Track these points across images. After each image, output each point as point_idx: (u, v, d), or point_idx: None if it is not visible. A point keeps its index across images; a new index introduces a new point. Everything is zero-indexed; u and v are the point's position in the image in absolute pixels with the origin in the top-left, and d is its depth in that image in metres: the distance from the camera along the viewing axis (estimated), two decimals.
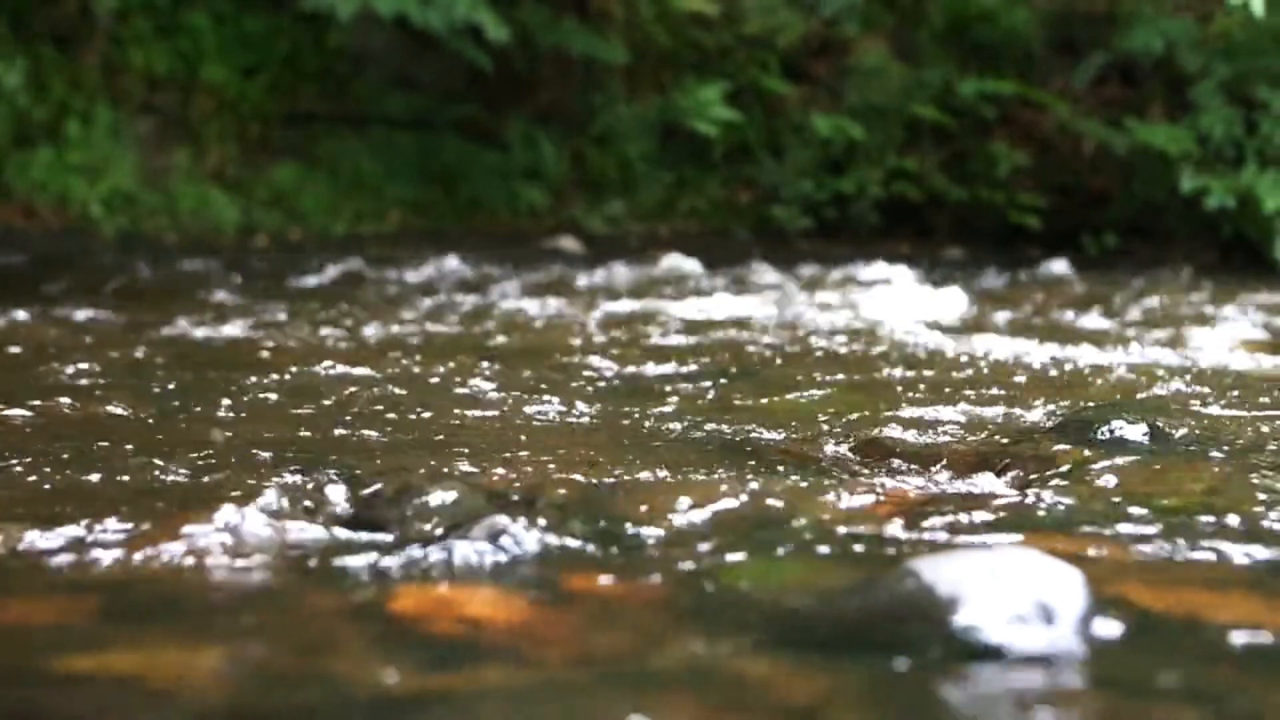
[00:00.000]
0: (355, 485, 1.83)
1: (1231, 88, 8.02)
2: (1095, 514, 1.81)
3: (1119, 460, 2.08)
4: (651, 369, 3.29)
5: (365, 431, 2.33)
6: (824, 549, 1.65)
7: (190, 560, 1.55)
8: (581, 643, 1.32)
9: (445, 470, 1.95)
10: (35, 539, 1.62)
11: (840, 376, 3.19)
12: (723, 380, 3.14)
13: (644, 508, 1.78)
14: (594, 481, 1.88)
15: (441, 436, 2.30)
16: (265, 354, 3.49)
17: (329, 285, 5.42)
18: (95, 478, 1.90)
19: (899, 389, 2.95)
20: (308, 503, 1.76)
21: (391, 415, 2.50)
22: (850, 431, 2.30)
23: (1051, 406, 2.59)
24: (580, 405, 2.65)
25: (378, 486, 1.80)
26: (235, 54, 8.42)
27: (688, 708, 1.16)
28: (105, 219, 7.58)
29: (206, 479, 1.89)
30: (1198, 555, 1.64)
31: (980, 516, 1.81)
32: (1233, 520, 1.76)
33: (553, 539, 1.66)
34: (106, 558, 1.55)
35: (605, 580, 1.51)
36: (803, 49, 9.86)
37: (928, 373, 3.24)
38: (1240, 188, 7.76)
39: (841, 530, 1.71)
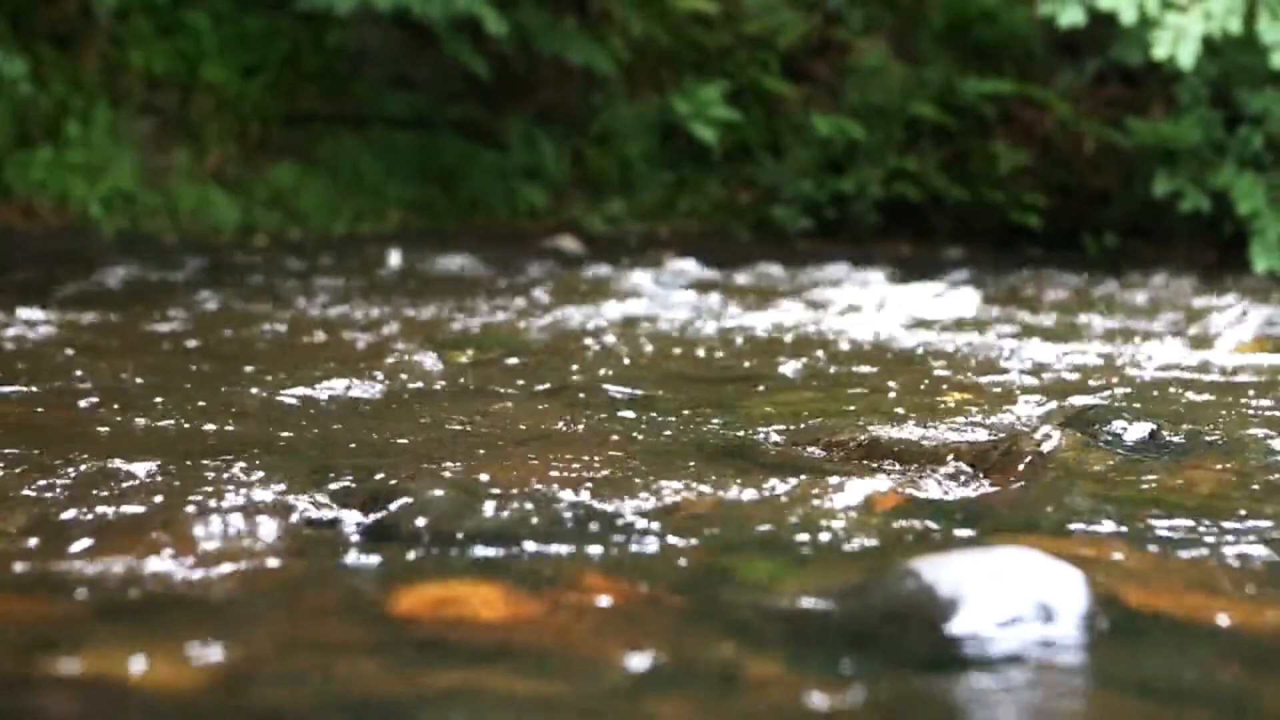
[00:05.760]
0: (354, 485, 1.83)
1: (1218, 86, 8.02)
2: (1095, 514, 1.80)
3: (1120, 460, 2.08)
4: (651, 370, 3.29)
5: (365, 432, 2.32)
6: (824, 549, 1.65)
7: (188, 560, 1.55)
8: (582, 643, 1.32)
9: (445, 470, 1.95)
10: (31, 538, 1.61)
11: (840, 377, 3.18)
12: (722, 381, 3.14)
13: (646, 507, 1.78)
14: (596, 482, 1.88)
15: (441, 437, 2.30)
16: (264, 354, 3.48)
17: (327, 285, 5.41)
18: (91, 477, 1.90)
19: (899, 389, 2.94)
20: (306, 502, 1.76)
21: (391, 416, 2.50)
22: (850, 432, 2.30)
23: (1052, 406, 2.59)
24: (580, 406, 2.65)
25: (377, 486, 1.80)
26: (235, 54, 8.42)
27: (687, 707, 1.16)
28: (105, 219, 7.57)
29: (204, 479, 1.89)
30: (1198, 555, 1.64)
31: (980, 516, 1.80)
32: (1233, 520, 1.76)
33: (555, 539, 1.65)
34: (102, 557, 1.55)
35: (605, 580, 1.51)
36: (803, 49, 9.86)
37: (928, 372, 3.23)
38: (1218, 187, 7.77)
39: (841, 530, 1.71)
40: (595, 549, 1.63)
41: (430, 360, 3.21)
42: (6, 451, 2.07)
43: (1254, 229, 7.59)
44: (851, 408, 2.64)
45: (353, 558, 1.57)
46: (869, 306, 4.87)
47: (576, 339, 3.89)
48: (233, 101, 8.36)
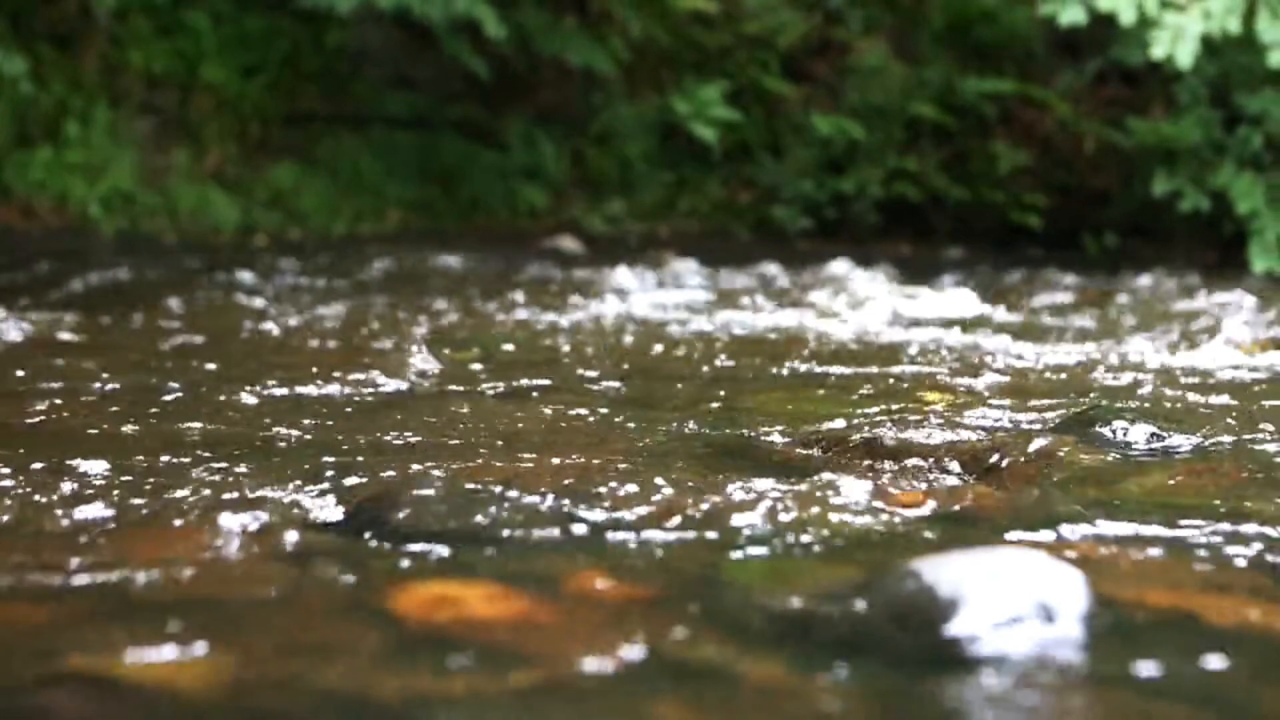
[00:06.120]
0: (352, 485, 1.83)
1: (1218, 86, 8.03)
2: (1095, 514, 1.80)
3: (1120, 460, 2.08)
4: (651, 369, 3.29)
5: (361, 431, 2.32)
6: (824, 549, 1.64)
7: (187, 560, 1.55)
8: (581, 642, 1.32)
9: (444, 470, 1.94)
10: (28, 539, 1.61)
11: (838, 377, 3.18)
12: (720, 380, 3.13)
13: (644, 507, 1.77)
14: (597, 481, 1.88)
15: (438, 436, 2.30)
16: (261, 354, 3.48)
17: (327, 285, 5.41)
18: (90, 478, 1.89)
19: (898, 389, 2.94)
20: (304, 502, 1.75)
21: (388, 415, 2.49)
22: (849, 432, 2.30)
23: (1053, 406, 2.59)
24: (580, 406, 2.65)
25: (377, 486, 1.80)
26: (235, 54, 8.42)
27: (686, 707, 1.16)
28: (104, 219, 7.57)
29: (199, 479, 1.88)
30: (1198, 555, 1.63)
31: (980, 516, 1.80)
32: (1233, 520, 1.76)
33: (554, 538, 1.65)
34: (101, 558, 1.54)
35: (605, 580, 1.51)
36: (803, 49, 9.85)
37: (928, 373, 3.23)
38: (1217, 187, 7.77)
39: (841, 530, 1.71)
40: (594, 548, 1.63)
41: (427, 360, 3.20)
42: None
43: (1253, 229, 7.60)
44: (850, 408, 2.63)
45: (350, 557, 1.57)
46: (868, 307, 4.86)
47: (574, 339, 3.88)
48: (233, 101, 8.36)
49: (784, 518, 1.75)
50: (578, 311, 4.58)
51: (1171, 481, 1.97)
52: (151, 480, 1.88)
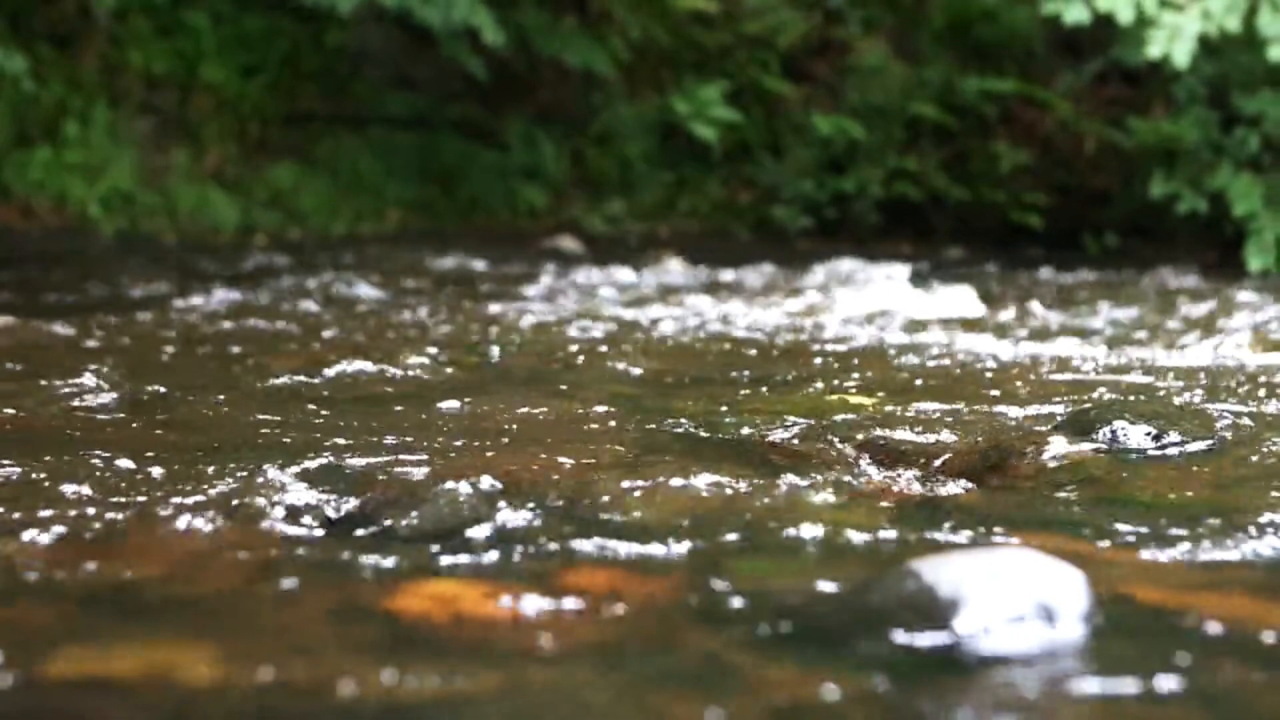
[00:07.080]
0: (352, 484, 1.83)
1: (1216, 87, 8.03)
2: (1096, 514, 1.80)
3: (1120, 460, 2.07)
4: (651, 369, 3.28)
5: (359, 431, 2.32)
6: (824, 549, 1.64)
7: (184, 560, 1.55)
8: (582, 642, 1.31)
9: (445, 469, 1.94)
10: (31, 539, 1.61)
11: (841, 376, 3.18)
12: (723, 380, 3.13)
13: (645, 507, 1.77)
14: (595, 481, 1.87)
15: (436, 436, 2.29)
16: (257, 354, 3.48)
17: (326, 284, 5.41)
18: (91, 476, 1.89)
19: (900, 389, 2.94)
20: (306, 501, 1.75)
21: (391, 414, 2.49)
22: (851, 431, 2.29)
23: (1053, 406, 2.58)
24: (580, 405, 2.64)
25: (375, 485, 1.79)
26: (235, 54, 8.42)
27: (687, 706, 1.16)
28: (104, 219, 7.57)
29: (204, 478, 1.88)
30: (1198, 555, 1.63)
31: (980, 516, 1.80)
32: (1233, 520, 1.76)
33: (554, 538, 1.65)
34: (102, 557, 1.54)
35: (606, 579, 1.51)
36: (803, 49, 9.86)
37: (928, 372, 3.23)
38: (1215, 188, 7.78)
39: (841, 530, 1.71)
40: (593, 547, 1.62)
41: (425, 359, 3.20)
42: None
43: (1251, 229, 7.61)
44: (849, 407, 2.63)
45: (349, 557, 1.57)
46: (866, 306, 4.86)
47: (571, 339, 3.88)
48: (232, 101, 8.36)
49: (783, 516, 1.75)
50: (575, 311, 4.57)
51: (1171, 481, 1.96)
52: (148, 480, 1.88)
